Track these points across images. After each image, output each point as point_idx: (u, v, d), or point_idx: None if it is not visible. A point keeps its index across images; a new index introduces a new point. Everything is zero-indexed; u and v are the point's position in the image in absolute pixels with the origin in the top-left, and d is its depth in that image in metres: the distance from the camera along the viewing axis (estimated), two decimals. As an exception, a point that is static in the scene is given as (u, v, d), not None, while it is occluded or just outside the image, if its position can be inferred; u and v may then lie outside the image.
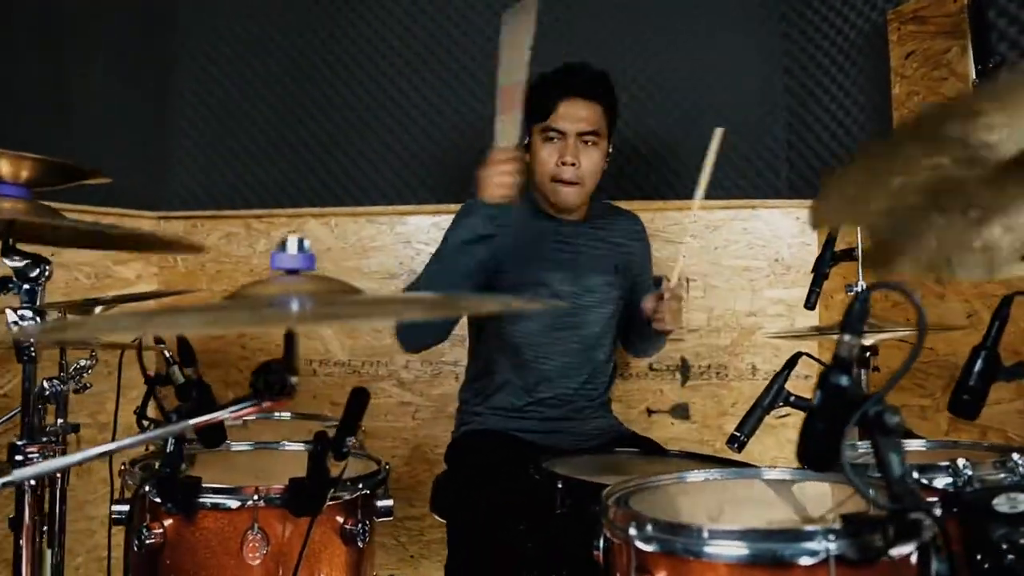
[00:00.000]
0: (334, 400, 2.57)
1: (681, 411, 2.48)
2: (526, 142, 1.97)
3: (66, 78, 2.46)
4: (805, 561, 0.87)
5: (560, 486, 1.43)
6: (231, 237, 2.62)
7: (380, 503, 1.51)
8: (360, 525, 1.40)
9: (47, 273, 1.27)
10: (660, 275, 2.04)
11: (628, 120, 2.53)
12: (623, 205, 2.47)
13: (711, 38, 2.52)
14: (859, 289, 1.79)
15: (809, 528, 0.90)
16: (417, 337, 1.87)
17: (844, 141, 2.37)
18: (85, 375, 1.82)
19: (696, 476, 1.22)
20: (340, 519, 1.40)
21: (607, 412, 2.07)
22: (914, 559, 0.95)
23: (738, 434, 1.65)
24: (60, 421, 1.58)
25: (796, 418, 2.26)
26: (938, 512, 1.13)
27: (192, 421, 0.99)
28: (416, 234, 2.58)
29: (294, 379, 0.99)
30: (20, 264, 1.25)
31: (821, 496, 1.17)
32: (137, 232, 1.52)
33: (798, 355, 1.75)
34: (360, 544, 1.41)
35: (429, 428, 2.57)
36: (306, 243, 1.00)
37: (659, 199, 2.50)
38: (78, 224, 1.29)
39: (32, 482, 1.26)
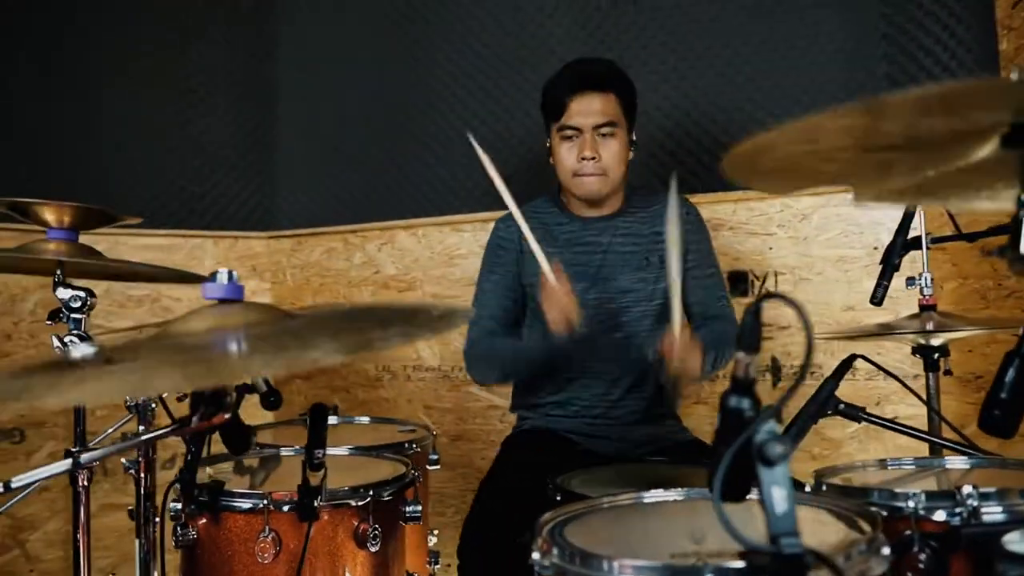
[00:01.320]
0: (427, 404, 2.68)
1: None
2: (548, 144, 1.97)
3: (187, 117, 2.78)
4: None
5: (559, 499, 1.41)
6: (331, 252, 2.81)
7: (407, 508, 1.59)
8: (372, 529, 1.47)
9: (91, 304, 1.46)
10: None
11: (706, 109, 2.41)
12: (699, 199, 2.37)
13: (801, 10, 2.32)
14: (921, 282, 1.60)
15: (691, 564, 0.83)
16: (481, 375, 2.02)
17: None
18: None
19: (655, 497, 1.16)
20: (354, 523, 1.47)
21: (665, 417, 1.98)
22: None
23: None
24: (141, 427, 1.80)
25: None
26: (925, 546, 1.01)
27: (143, 437, 1.10)
28: (499, 240, 2.62)
29: (227, 398, 1.07)
30: (67, 296, 1.44)
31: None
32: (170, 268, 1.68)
33: (852, 358, 1.60)
34: (373, 547, 1.48)
35: (517, 430, 2.60)
36: (235, 274, 1.07)
37: (740, 189, 2.35)
38: (111, 263, 1.47)
39: (84, 483, 1.45)
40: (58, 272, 1.45)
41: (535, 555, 0.95)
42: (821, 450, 2.26)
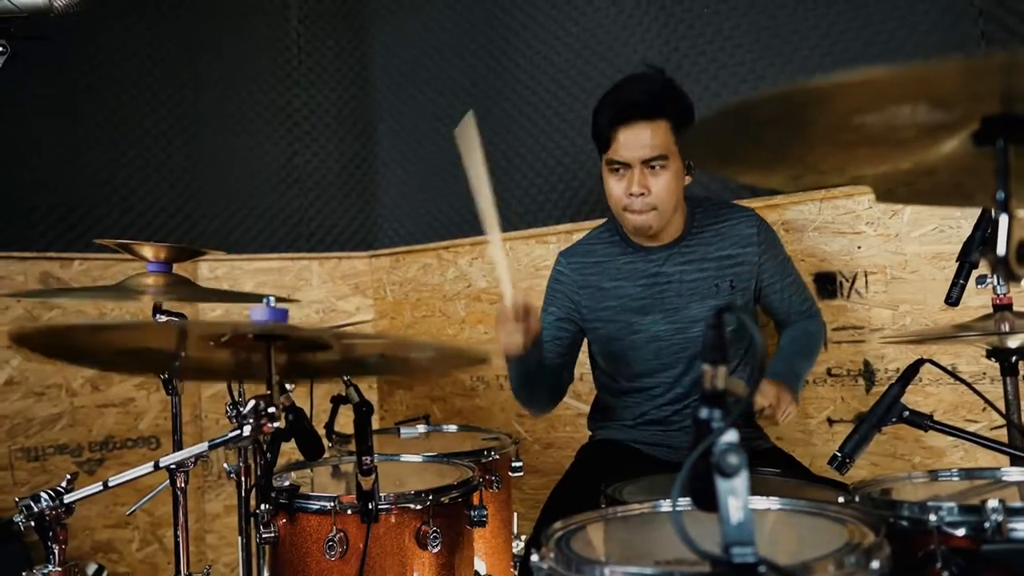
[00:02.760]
0: (519, 412, 2.76)
1: (867, 421, 2.21)
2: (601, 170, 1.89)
3: (294, 150, 3.03)
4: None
5: (603, 507, 1.44)
6: (426, 268, 2.95)
7: (473, 512, 1.67)
8: (433, 532, 1.56)
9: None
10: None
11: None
12: (780, 200, 2.31)
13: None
14: (995, 280, 1.49)
15: (660, 572, 0.86)
16: (527, 404, 1.99)
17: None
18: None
19: (668, 506, 1.17)
20: (416, 524, 1.57)
21: (743, 426, 1.96)
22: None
23: (839, 454, 1.50)
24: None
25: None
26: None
27: (203, 445, 1.24)
28: (584, 249, 2.66)
29: (272, 408, 1.19)
30: (163, 321, 1.64)
31: (785, 534, 1.06)
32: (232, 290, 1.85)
33: (919, 362, 1.52)
34: (433, 548, 1.57)
35: (607, 438, 2.62)
36: (271, 299, 1.19)
37: (823, 188, 2.27)
38: (204, 292, 1.65)
39: (182, 485, 1.63)
40: (156, 302, 1.65)
41: (533, 558, 1.00)
42: (922, 459, 2.14)
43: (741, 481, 0.80)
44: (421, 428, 2.38)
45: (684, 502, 1.18)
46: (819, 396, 2.29)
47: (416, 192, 3.04)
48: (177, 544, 1.63)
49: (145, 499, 1.73)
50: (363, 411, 1.35)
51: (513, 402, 2.76)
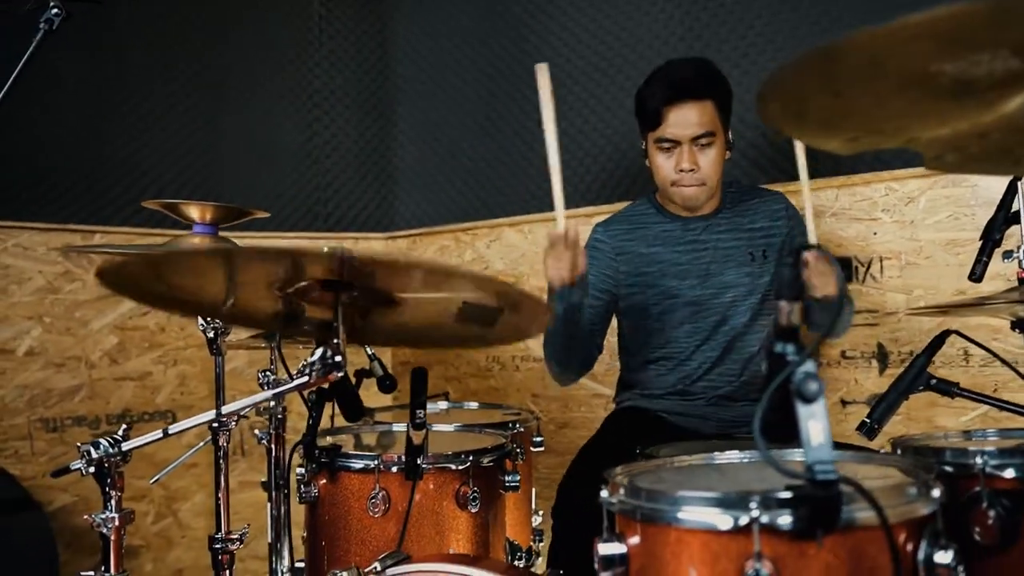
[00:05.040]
0: (535, 392, 2.80)
1: (880, 402, 2.27)
2: (643, 147, 1.97)
3: (314, 130, 3.06)
4: (726, 525, 0.88)
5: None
6: (444, 249, 2.99)
7: (507, 478, 1.71)
8: (472, 492, 1.60)
9: (228, 287, 1.67)
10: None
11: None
12: (799, 187, 2.36)
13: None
14: (1020, 255, 1.56)
15: (741, 494, 0.90)
16: (559, 366, 1.95)
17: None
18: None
19: (726, 457, 1.21)
20: (456, 485, 1.61)
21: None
22: (904, 540, 0.90)
23: (868, 420, 1.55)
24: (272, 404, 2.03)
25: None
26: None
27: (269, 393, 1.27)
28: (602, 234, 2.71)
29: (338, 358, 1.22)
30: (209, 281, 1.66)
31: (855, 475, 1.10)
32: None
33: (946, 333, 1.58)
34: (473, 509, 1.60)
35: (621, 419, 2.67)
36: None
37: (842, 174, 2.33)
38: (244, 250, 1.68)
39: (224, 444, 1.65)
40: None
41: (603, 494, 1.04)
42: (933, 438, 2.20)
43: (820, 406, 0.85)
44: (443, 404, 2.41)
45: (730, 455, 1.23)
46: (833, 378, 2.35)
47: (434, 174, 3.07)
48: (218, 505, 1.65)
49: (184, 457, 1.76)
50: (419, 371, 1.38)
51: (528, 382, 2.82)
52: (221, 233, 1.70)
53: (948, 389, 1.51)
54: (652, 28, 2.67)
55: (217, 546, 1.65)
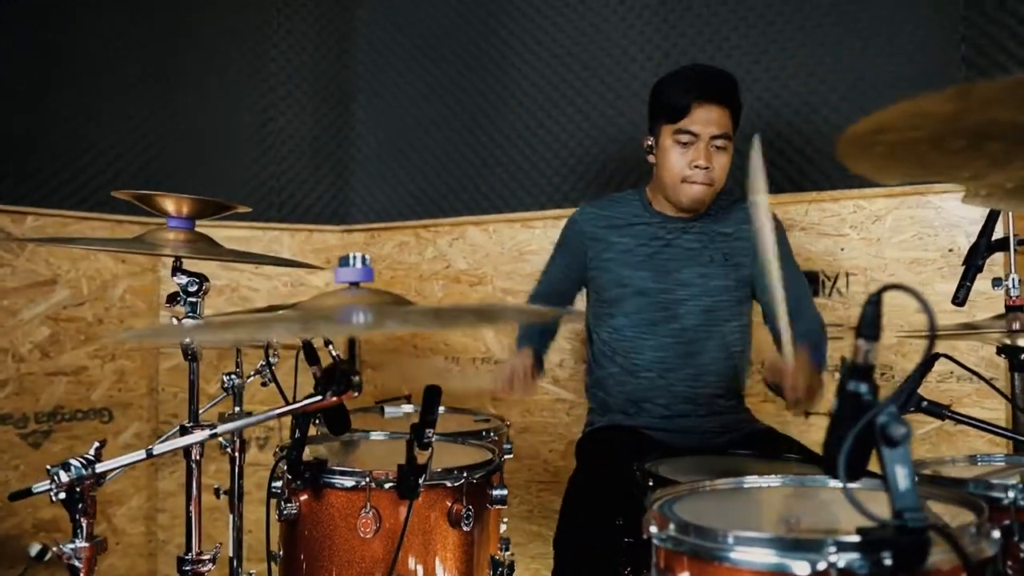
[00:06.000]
0: (494, 397, 2.74)
1: (842, 414, 2.33)
2: (649, 142, 1.97)
3: (269, 116, 2.89)
4: (804, 570, 0.86)
5: (651, 484, 1.46)
6: (403, 246, 2.89)
7: (494, 492, 1.65)
8: (466, 510, 1.53)
9: (205, 288, 1.55)
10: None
11: (779, 110, 2.43)
12: (774, 199, 2.39)
13: (876, 10, 2.34)
14: (1008, 284, 1.61)
15: (817, 538, 0.88)
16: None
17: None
18: (268, 371, 2.15)
19: (756, 482, 1.20)
20: (448, 503, 1.54)
21: (736, 408, 2.03)
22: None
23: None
24: (236, 409, 1.90)
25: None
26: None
27: (273, 412, 1.17)
28: (568, 237, 2.68)
29: (356, 378, 1.14)
30: (184, 281, 1.53)
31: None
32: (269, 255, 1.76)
33: (935, 356, 1.61)
34: (465, 527, 1.54)
35: (583, 424, 2.64)
36: (367, 258, 1.14)
37: (812, 191, 2.38)
38: (226, 253, 1.56)
39: (196, 457, 1.53)
40: (176, 258, 1.54)
41: (652, 529, 1.00)
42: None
43: (905, 450, 0.83)
44: (407, 408, 2.33)
45: (757, 479, 1.22)
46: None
47: (394, 168, 2.96)
48: (189, 521, 1.52)
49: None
50: (433, 388, 1.31)
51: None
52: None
53: (939, 412, 1.54)
54: (620, 26, 2.64)
55: (187, 568, 1.52)
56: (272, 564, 1.70)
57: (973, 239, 2.23)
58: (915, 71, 2.29)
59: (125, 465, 1.21)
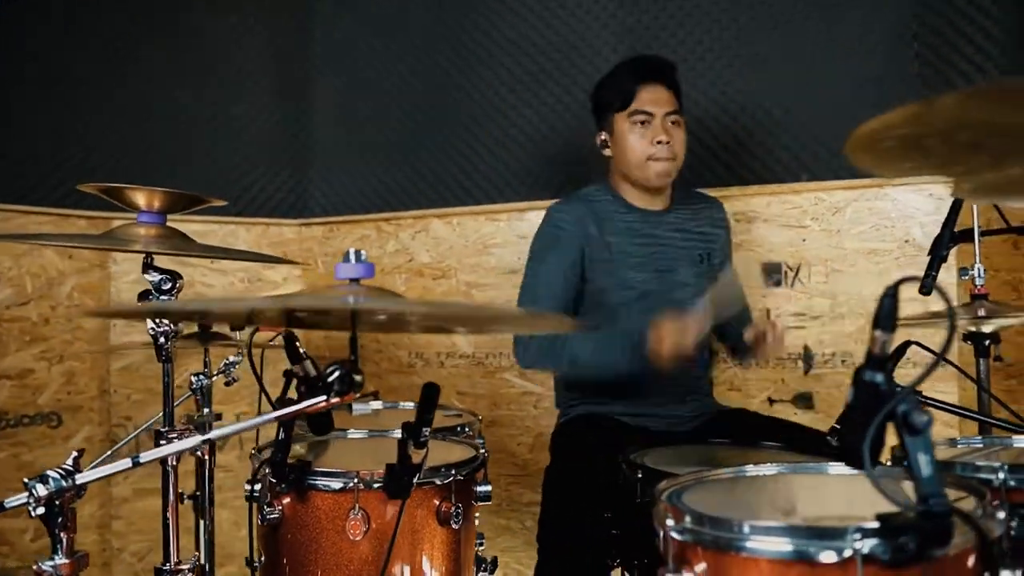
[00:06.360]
0: (460, 390, 2.72)
1: (804, 400, 2.40)
2: (602, 138, 2.03)
3: (223, 106, 2.79)
4: (829, 558, 0.87)
5: (640, 476, 1.47)
6: (364, 240, 2.84)
7: (478, 488, 1.63)
8: (455, 508, 1.51)
9: (179, 287, 1.48)
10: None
11: (739, 101, 2.47)
12: (735, 192, 2.44)
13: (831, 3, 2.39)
14: (974, 273, 1.68)
15: (838, 525, 0.89)
16: (538, 361, 1.98)
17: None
18: (233, 369, 2.08)
19: (756, 470, 1.22)
20: (436, 502, 1.51)
21: (708, 393, 2.10)
22: (971, 563, 0.92)
23: (838, 426, 1.61)
24: (206, 411, 1.83)
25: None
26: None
27: (276, 413, 1.13)
28: (533, 229, 2.64)
29: (359, 377, 1.11)
30: (156, 279, 1.46)
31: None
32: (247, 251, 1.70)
33: (907, 344, 1.67)
34: (454, 525, 1.52)
35: (550, 417, 2.62)
36: (363, 254, 1.11)
37: (775, 182, 2.43)
38: (200, 248, 1.49)
39: (173, 462, 1.48)
40: (147, 256, 1.47)
41: (669, 522, 1.00)
42: (851, 435, 2.35)
43: (927, 437, 0.85)
44: (375, 404, 2.29)
45: (758, 468, 1.23)
46: (761, 378, 2.45)
47: (353, 159, 2.89)
48: (166, 529, 1.46)
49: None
50: (431, 386, 1.28)
51: (453, 379, 2.73)
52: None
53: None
54: (586, 19, 2.63)
55: (164, 578, 1.46)
56: (252, 570, 1.66)
57: (927, 230, 2.34)
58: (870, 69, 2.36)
59: (108, 475, 1.14)
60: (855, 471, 1.22)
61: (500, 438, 2.68)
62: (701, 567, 0.98)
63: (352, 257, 1.12)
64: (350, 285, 1.12)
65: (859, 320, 2.36)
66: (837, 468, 1.22)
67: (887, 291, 0.91)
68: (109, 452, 1.15)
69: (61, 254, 2.43)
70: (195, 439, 1.11)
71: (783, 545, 0.91)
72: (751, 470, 1.22)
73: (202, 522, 1.81)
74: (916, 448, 0.85)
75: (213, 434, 1.11)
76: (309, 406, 1.10)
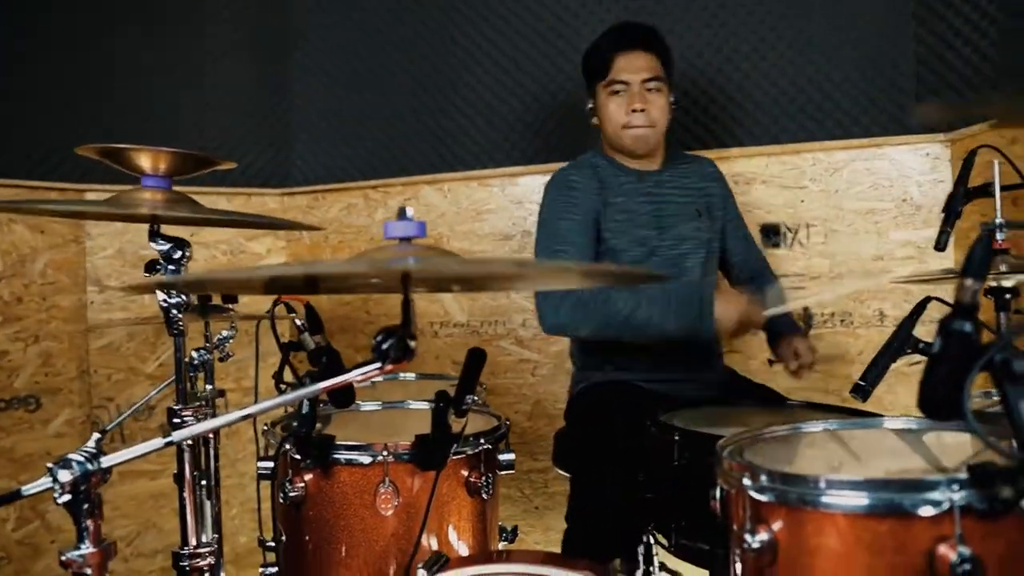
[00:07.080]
0: (455, 360, 2.67)
1: (804, 361, 2.40)
2: (589, 106, 2.04)
3: (202, 71, 2.65)
4: (927, 511, 0.85)
5: (677, 438, 1.44)
6: (351, 208, 2.74)
7: (502, 457, 1.58)
8: (484, 478, 1.47)
9: (188, 255, 1.39)
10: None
11: (737, 62, 2.44)
12: (735, 153, 2.42)
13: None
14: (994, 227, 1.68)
15: (932, 477, 0.87)
16: (576, 320, 1.86)
17: (981, 67, 2.18)
18: (227, 344, 1.99)
19: (814, 427, 1.20)
20: (465, 472, 1.47)
21: (719, 355, 2.10)
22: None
23: (863, 383, 1.60)
24: (209, 387, 1.74)
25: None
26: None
27: (323, 384, 1.07)
28: (527, 195, 2.61)
29: (412, 343, 1.05)
30: (165, 247, 1.37)
31: (954, 446, 1.12)
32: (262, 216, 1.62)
33: (927, 300, 1.66)
34: (484, 496, 1.48)
35: (548, 384, 2.62)
36: (410, 211, 1.05)
37: (773, 143, 2.41)
38: (211, 213, 1.40)
39: (189, 442, 1.40)
40: (153, 223, 1.38)
41: (746, 481, 0.97)
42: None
43: (1028, 387, 0.83)
44: (378, 378, 2.22)
45: (814, 424, 1.22)
46: (761, 339, 2.44)
47: (338, 125, 2.78)
48: (184, 513, 1.38)
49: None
50: (477, 351, 1.23)
51: (448, 349, 2.68)
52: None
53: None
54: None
55: (184, 563, 1.39)
56: (265, 550, 1.59)
57: (924, 189, 2.35)
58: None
59: (137, 456, 1.06)
60: (911, 425, 1.22)
61: (498, 406, 2.63)
62: (778, 525, 0.96)
63: (407, 214, 1.05)
64: (399, 245, 1.05)
65: (858, 280, 2.37)
66: (895, 423, 1.21)
67: (979, 238, 0.88)
68: (99, 435, 1.06)
69: (33, 229, 2.29)
70: (237, 413, 1.04)
71: (871, 499, 0.89)
72: (806, 426, 1.20)
73: (208, 502, 1.73)
74: (1017, 396, 0.83)
75: (253, 409, 1.03)
76: (363, 375, 1.03)
